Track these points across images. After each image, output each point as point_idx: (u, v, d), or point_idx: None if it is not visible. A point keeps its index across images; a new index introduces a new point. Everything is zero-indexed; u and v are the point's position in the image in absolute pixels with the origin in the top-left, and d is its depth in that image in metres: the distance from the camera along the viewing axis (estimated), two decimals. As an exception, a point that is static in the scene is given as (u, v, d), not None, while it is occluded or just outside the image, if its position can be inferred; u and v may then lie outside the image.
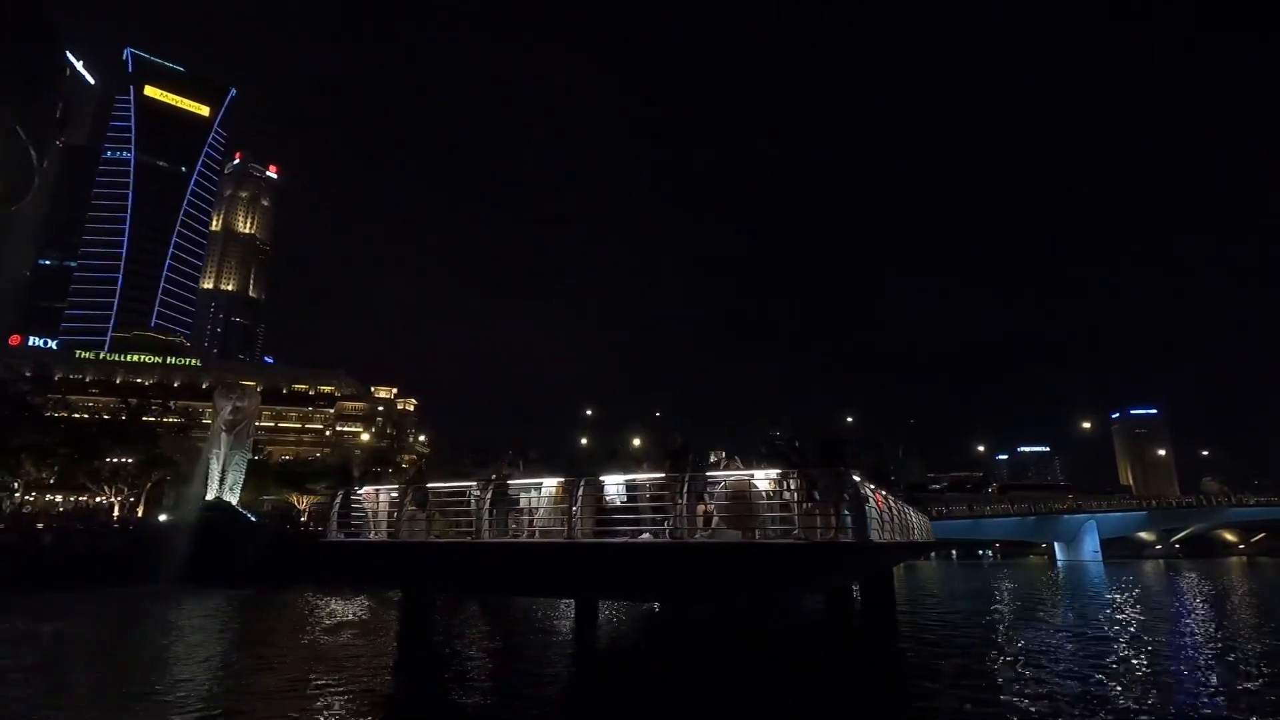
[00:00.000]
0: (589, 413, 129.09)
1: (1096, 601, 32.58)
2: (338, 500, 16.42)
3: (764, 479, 12.03)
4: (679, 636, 19.97)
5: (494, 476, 14.75)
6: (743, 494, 11.91)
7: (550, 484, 14.23)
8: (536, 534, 14.52)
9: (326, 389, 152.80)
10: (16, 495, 52.28)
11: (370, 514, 16.51)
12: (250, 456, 46.53)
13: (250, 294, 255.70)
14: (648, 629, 22.60)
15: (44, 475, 52.68)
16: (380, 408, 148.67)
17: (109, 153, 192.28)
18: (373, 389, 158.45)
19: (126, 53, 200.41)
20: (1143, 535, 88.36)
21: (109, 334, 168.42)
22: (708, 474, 12.46)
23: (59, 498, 58.44)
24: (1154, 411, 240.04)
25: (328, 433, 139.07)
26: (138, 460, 53.46)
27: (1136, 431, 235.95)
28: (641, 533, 13.28)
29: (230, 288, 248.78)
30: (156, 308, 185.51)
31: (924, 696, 13.03)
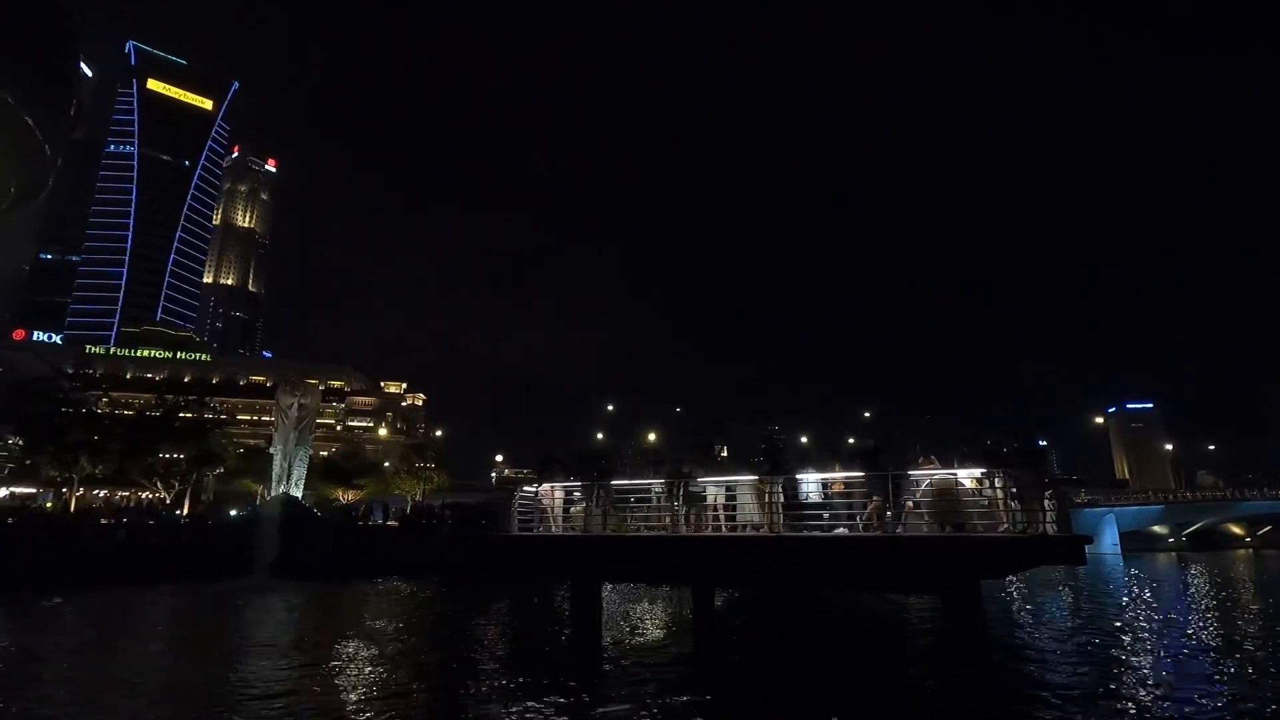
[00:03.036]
0: (610, 408, 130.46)
1: (1171, 597, 33.75)
2: (516, 496, 17.51)
3: (968, 477, 13.28)
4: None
5: (685, 473, 15.89)
6: (948, 491, 13.18)
7: (742, 481, 15.45)
8: (723, 528, 15.76)
9: (336, 384, 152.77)
10: (69, 491, 52.84)
11: (548, 509, 17.67)
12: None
13: (249, 288, 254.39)
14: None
15: (97, 471, 53.28)
16: (393, 403, 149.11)
17: (112, 146, 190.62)
18: (382, 384, 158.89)
19: (129, 45, 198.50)
20: (1155, 529, 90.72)
21: (114, 328, 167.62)
22: (909, 472, 13.71)
23: (102, 492, 58.98)
24: (1149, 405, 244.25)
25: (339, 428, 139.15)
26: (188, 456, 54.17)
27: (1132, 426, 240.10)
28: (836, 527, 14.57)
29: (229, 282, 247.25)
30: (161, 302, 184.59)
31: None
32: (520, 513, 17.36)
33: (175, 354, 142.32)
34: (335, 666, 15.15)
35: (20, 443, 56.07)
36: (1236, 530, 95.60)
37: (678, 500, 15.37)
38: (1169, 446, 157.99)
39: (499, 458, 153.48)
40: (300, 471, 44.37)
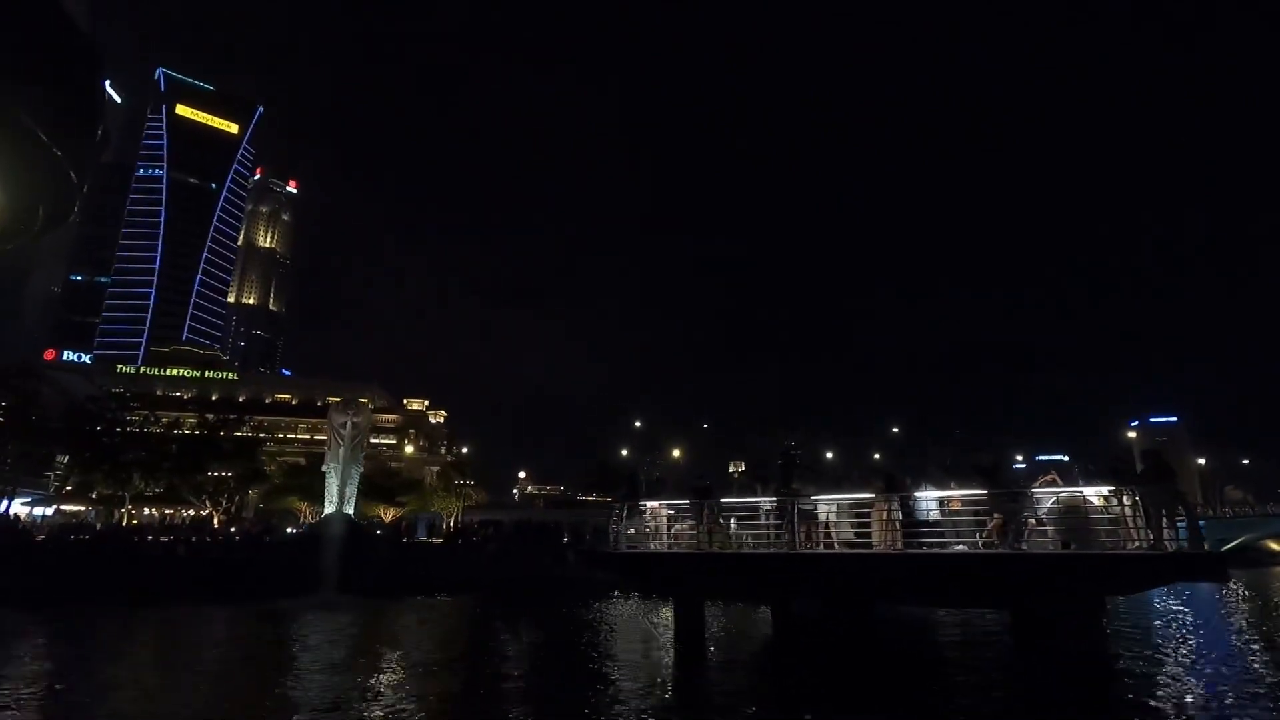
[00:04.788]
0: (637, 424, 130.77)
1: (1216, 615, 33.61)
2: (623, 514, 17.96)
3: (1094, 494, 13.60)
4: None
5: (795, 489, 16.30)
6: (1076, 508, 13.50)
7: (853, 498, 15.82)
8: (835, 545, 16.11)
9: (360, 402, 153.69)
10: (122, 509, 53.88)
11: (652, 525, 18.11)
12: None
13: (270, 307, 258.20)
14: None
15: (147, 489, 54.31)
16: (417, 420, 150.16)
17: (142, 170, 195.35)
18: (405, 401, 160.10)
19: (158, 73, 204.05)
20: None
21: (142, 348, 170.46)
22: (1032, 489, 14.05)
23: (151, 510, 59.97)
24: (1174, 419, 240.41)
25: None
26: (236, 474, 55.13)
27: (1157, 439, 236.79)
28: (955, 545, 14.89)
29: (251, 301, 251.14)
30: (188, 322, 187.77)
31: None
32: (625, 530, 17.79)
33: (203, 373, 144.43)
34: (471, 681, 15.62)
35: (65, 459, 57.42)
36: (1275, 546, 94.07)
37: (790, 518, 15.76)
38: (1201, 461, 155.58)
39: (521, 474, 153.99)
40: (352, 489, 45.02)
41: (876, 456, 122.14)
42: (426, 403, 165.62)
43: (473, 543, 50.21)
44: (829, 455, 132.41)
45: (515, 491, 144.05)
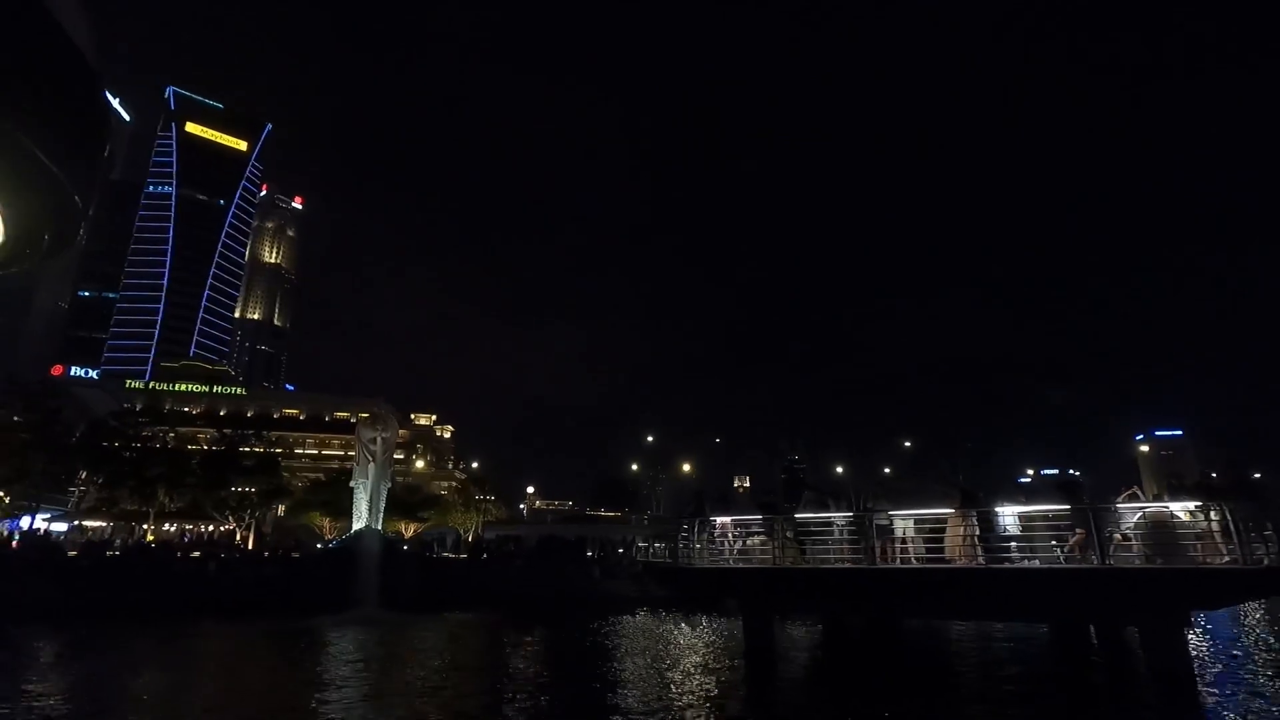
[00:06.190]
0: (649, 439, 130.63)
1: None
2: (695, 529, 18.17)
3: (1181, 509, 13.86)
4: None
5: (870, 507, 16.54)
6: (1163, 523, 13.74)
7: (930, 513, 16.05)
8: (913, 560, 16.32)
9: (389, 417, 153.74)
10: (147, 524, 53.86)
11: (722, 540, 18.31)
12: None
13: (275, 322, 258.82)
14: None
15: (171, 504, 54.32)
16: (424, 435, 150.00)
17: (151, 187, 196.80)
18: (412, 416, 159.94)
19: (168, 91, 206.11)
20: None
21: (150, 363, 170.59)
22: (1116, 505, 14.30)
23: (169, 526, 59.90)
24: (1179, 433, 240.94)
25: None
26: (259, 489, 55.15)
27: (1162, 454, 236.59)
28: (1033, 560, 15.11)
29: (256, 316, 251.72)
30: (195, 337, 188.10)
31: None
32: (695, 545, 17.99)
33: (213, 388, 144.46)
34: (591, 694, 15.82)
35: (84, 474, 57.44)
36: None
37: (867, 534, 15.99)
38: (1195, 475, 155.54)
39: (530, 489, 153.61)
40: (379, 504, 45.04)
41: (886, 471, 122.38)
42: (434, 417, 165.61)
43: (498, 558, 50.16)
44: (838, 470, 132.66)
45: (523, 506, 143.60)
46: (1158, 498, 15.68)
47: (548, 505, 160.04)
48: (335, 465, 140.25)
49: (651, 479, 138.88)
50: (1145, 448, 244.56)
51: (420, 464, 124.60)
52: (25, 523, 52.20)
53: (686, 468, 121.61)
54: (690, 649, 22.90)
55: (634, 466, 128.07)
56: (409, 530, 60.94)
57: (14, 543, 44.24)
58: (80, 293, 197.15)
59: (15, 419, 52.66)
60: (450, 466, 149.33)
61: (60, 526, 57.53)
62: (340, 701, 15.26)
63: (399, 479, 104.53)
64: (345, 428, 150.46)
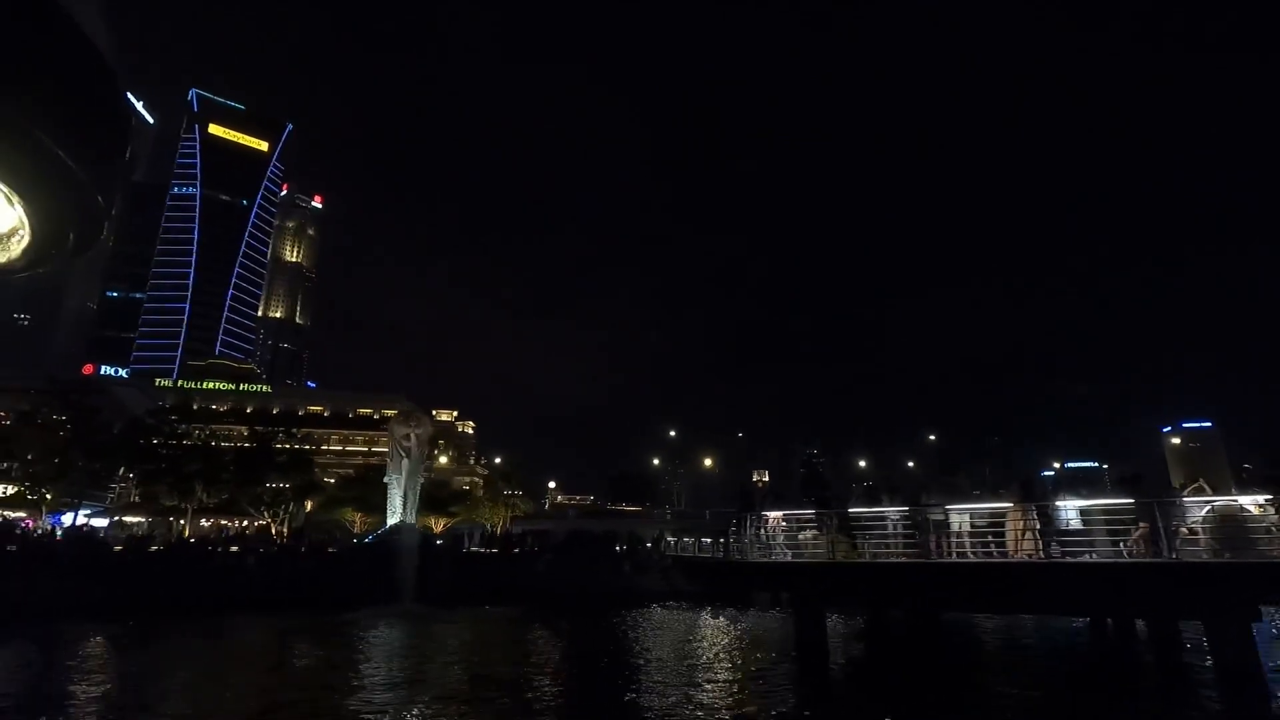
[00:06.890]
0: (671, 434, 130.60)
1: None
2: (745, 525, 18.21)
3: (1251, 503, 13.64)
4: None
5: (925, 502, 16.46)
6: (1233, 516, 13.54)
7: (989, 508, 15.95)
8: (969, 554, 16.23)
9: (390, 413, 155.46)
10: (184, 520, 54.99)
11: (770, 535, 18.33)
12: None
13: (297, 320, 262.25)
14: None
15: (209, 500, 55.40)
16: (446, 431, 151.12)
17: (176, 188, 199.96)
18: (434, 412, 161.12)
19: (191, 94, 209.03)
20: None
21: (177, 362, 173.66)
22: (1181, 499, 14.11)
23: (204, 521, 61.08)
24: (1208, 424, 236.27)
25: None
26: (293, 485, 56.08)
27: (1190, 445, 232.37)
28: (1089, 554, 14.95)
29: (278, 314, 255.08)
30: (220, 335, 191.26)
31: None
32: (748, 541, 18.02)
33: (238, 386, 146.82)
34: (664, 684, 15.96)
35: (122, 471, 58.79)
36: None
37: (923, 528, 15.92)
38: (1247, 465, 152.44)
39: (551, 484, 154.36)
40: (413, 500, 45.68)
41: (910, 465, 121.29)
42: (455, 413, 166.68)
43: (529, 553, 50.58)
44: (861, 464, 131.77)
45: (545, 501, 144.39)
46: (1183, 487, 15.47)
47: (569, 500, 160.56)
48: (360, 461, 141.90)
49: (670, 473, 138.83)
50: (1175, 440, 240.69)
51: (443, 460, 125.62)
52: (67, 519, 53.48)
53: (708, 462, 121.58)
54: (740, 643, 23.02)
55: (655, 461, 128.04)
56: (438, 525, 61.61)
57: (58, 536, 45.48)
58: (108, 293, 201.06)
59: (56, 417, 54.04)
60: (472, 462, 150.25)
61: (100, 522, 58.91)
62: (420, 700, 15.57)
63: (429, 475, 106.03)
64: (368, 424, 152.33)
